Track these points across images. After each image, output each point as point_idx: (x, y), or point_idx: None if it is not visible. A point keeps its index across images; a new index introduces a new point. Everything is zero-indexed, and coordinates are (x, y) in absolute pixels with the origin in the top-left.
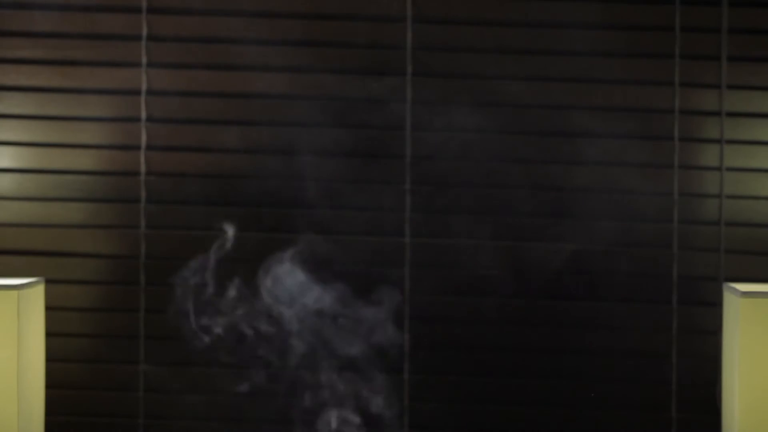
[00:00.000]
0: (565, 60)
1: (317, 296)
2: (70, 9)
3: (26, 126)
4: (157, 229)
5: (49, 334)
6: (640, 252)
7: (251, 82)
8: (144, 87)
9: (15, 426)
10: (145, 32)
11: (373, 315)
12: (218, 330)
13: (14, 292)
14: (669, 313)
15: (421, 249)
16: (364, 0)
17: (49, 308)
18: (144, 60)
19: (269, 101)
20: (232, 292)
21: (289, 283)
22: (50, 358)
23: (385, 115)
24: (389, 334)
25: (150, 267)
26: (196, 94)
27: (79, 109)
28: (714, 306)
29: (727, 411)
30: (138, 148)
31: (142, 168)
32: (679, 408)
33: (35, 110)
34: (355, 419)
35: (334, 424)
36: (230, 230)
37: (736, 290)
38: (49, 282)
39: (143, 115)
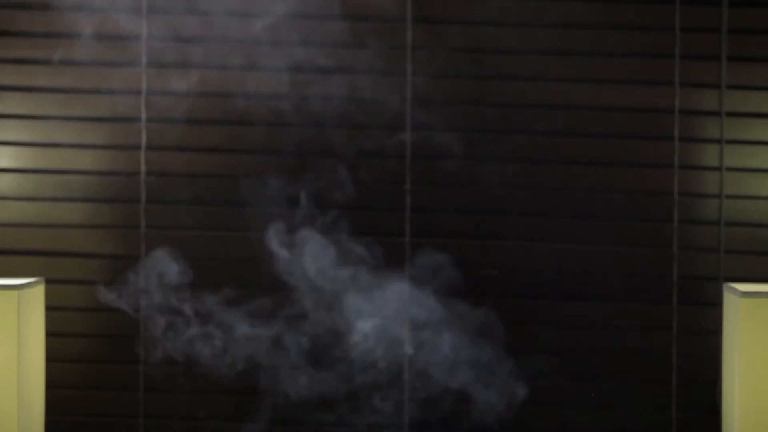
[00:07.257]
0: (565, 60)
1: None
2: (70, 9)
3: (26, 126)
4: (157, 229)
5: (49, 334)
6: (640, 252)
7: (251, 82)
8: (144, 87)
9: (15, 426)
10: (145, 32)
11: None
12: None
13: (14, 292)
14: (669, 313)
15: (420, 249)
16: (364, 0)
17: (49, 308)
18: (144, 60)
19: (269, 101)
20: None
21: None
22: (50, 358)
23: (385, 115)
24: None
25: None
26: (196, 94)
27: (79, 109)
28: (714, 306)
29: (727, 411)
30: (138, 148)
31: (142, 168)
32: (679, 408)
33: (35, 110)
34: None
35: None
36: None
37: (736, 290)
38: (49, 282)
39: (143, 115)
